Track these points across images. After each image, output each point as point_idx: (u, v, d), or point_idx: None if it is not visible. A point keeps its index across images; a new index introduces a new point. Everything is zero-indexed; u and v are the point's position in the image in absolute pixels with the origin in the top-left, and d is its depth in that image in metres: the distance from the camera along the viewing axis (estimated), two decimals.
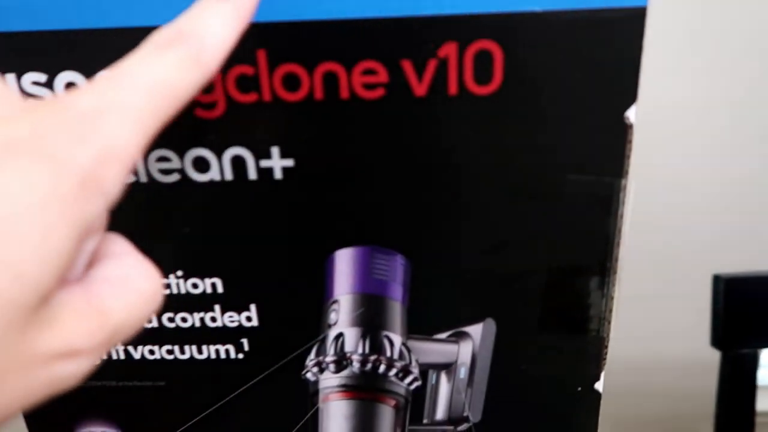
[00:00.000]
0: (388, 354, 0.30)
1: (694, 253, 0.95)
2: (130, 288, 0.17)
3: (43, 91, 0.25)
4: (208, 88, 0.25)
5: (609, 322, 0.29)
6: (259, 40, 0.24)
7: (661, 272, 0.94)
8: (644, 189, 0.80)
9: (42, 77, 0.25)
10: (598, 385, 0.30)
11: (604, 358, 0.29)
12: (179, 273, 0.29)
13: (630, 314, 0.86)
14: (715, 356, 0.73)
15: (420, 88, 0.24)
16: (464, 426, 0.31)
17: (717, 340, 0.73)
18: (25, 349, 0.14)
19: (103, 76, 0.16)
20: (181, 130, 0.25)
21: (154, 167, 0.27)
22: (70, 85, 0.25)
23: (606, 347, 0.29)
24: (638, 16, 0.23)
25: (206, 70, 0.18)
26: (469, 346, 0.29)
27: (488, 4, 0.23)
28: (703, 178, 0.92)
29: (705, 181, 0.92)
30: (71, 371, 0.16)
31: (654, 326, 0.94)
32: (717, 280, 0.72)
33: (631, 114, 0.24)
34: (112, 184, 0.15)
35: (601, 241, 0.27)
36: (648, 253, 0.84)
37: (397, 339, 0.29)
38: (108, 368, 0.31)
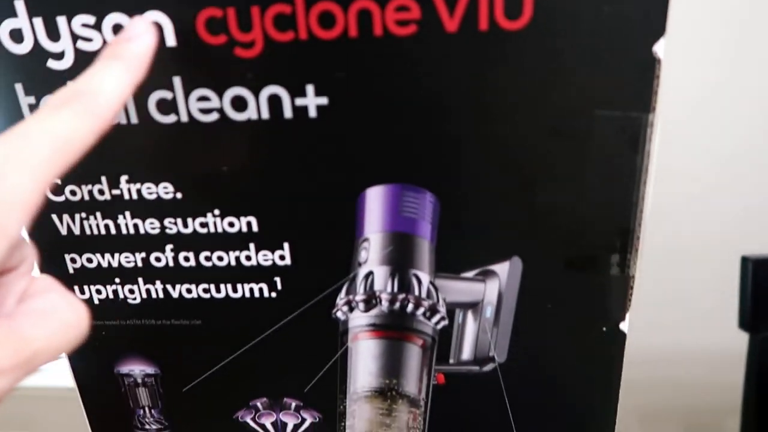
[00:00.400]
0: (416, 293, 0.30)
1: (721, 236, 0.94)
2: (52, 318, 0.20)
3: (92, 33, 0.26)
4: (247, 28, 0.26)
5: (635, 262, 0.29)
6: None
7: (687, 257, 0.93)
8: (670, 169, 0.79)
9: (91, 19, 0.26)
10: (624, 326, 0.30)
11: (630, 298, 0.30)
12: (216, 212, 0.30)
13: (654, 302, 0.86)
14: (743, 346, 0.73)
15: (451, 24, 0.25)
16: (490, 366, 0.32)
17: (745, 322, 0.73)
18: None
19: (3, 134, 0.19)
20: (221, 70, 0.26)
21: (195, 107, 0.28)
22: (117, 27, 0.26)
23: (632, 287, 0.30)
24: None
25: (101, 121, 0.21)
26: (496, 284, 0.30)
27: None
28: (730, 158, 0.91)
29: (732, 162, 0.91)
30: None
31: (679, 315, 0.94)
32: (745, 261, 0.71)
33: (660, 48, 0.25)
34: (14, 228, 0.18)
35: (629, 178, 0.27)
36: (672, 238, 0.84)
37: (425, 277, 0.30)
38: (148, 307, 0.32)
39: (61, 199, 0.30)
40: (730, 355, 0.78)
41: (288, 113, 0.27)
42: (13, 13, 0.26)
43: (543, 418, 0.34)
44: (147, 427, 0.36)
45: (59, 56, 0.27)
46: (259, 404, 0.35)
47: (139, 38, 0.24)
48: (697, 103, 0.84)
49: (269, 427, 0.35)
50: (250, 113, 0.27)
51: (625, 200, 0.28)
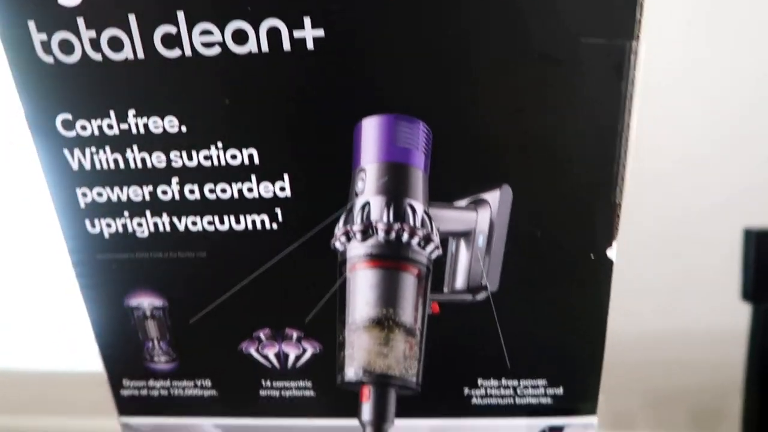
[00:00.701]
0: (411, 222, 0.32)
1: (720, 209, 0.94)
2: None
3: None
4: None
5: (621, 190, 0.30)
6: None
7: (686, 233, 0.93)
8: (670, 141, 0.79)
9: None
10: (611, 253, 0.32)
11: (617, 227, 0.31)
12: (219, 144, 0.31)
13: (657, 283, 0.86)
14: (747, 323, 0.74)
15: None
16: (482, 295, 0.33)
17: (747, 293, 0.74)
18: None
19: None
20: (222, 3, 0.28)
21: (198, 40, 0.29)
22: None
23: (618, 215, 0.31)
24: None
25: None
26: (487, 213, 0.31)
27: None
28: (731, 130, 0.91)
29: (730, 133, 0.91)
30: None
31: (681, 294, 0.94)
32: (748, 234, 0.73)
33: None
34: None
35: (614, 105, 0.28)
36: (669, 216, 0.84)
37: (420, 207, 0.31)
38: (155, 240, 0.34)
39: (72, 134, 0.32)
40: (735, 334, 0.79)
41: (287, 46, 0.28)
42: None
43: (534, 346, 0.35)
44: (156, 359, 0.38)
45: None
46: (262, 335, 0.36)
47: None
48: (694, 72, 0.84)
49: (272, 357, 0.37)
50: (251, 46, 0.29)
51: (611, 128, 0.29)
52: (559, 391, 0.36)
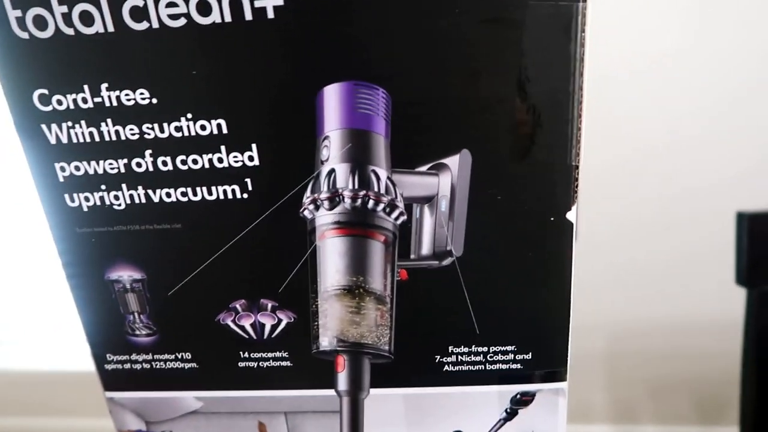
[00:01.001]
0: (376, 189, 0.32)
1: (714, 193, 0.94)
2: None
3: None
4: None
5: (578, 152, 0.31)
6: None
7: (681, 220, 0.93)
8: (662, 124, 0.79)
9: None
10: (570, 216, 0.32)
11: (576, 189, 0.32)
12: (189, 115, 0.32)
13: (654, 271, 0.86)
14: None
15: None
16: (448, 260, 0.34)
17: (742, 278, 0.74)
18: None
19: None
20: None
21: (164, 13, 0.30)
22: None
23: (576, 178, 0.31)
24: None
25: None
26: (448, 177, 0.32)
27: None
28: (722, 113, 0.91)
29: (724, 117, 0.91)
30: None
31: (680, 283, 0.94)
32: (740, 217, 0.73)
33: None
34: None
35: (564, 67, 0.29)
36: (668, 200, 0.84)
37: (383, 173, 0.32)
38: (132, 213, 0.35)
39: (49, 109, 0.33)
40: (736, 322, 0.79)
41: (248, 15, 0.29)
42: None
43: (502, 311, 0.36)
44: (137, 332, 0.39)
45: None
46: (238, 306, 0.37)
47: None
48: (690, 54, 0.84)
49: (249, 328, 0.38)
50: (215, 17, 0.30)
51: (562, 89, 0.30)
52: (528, 356, 0.37)
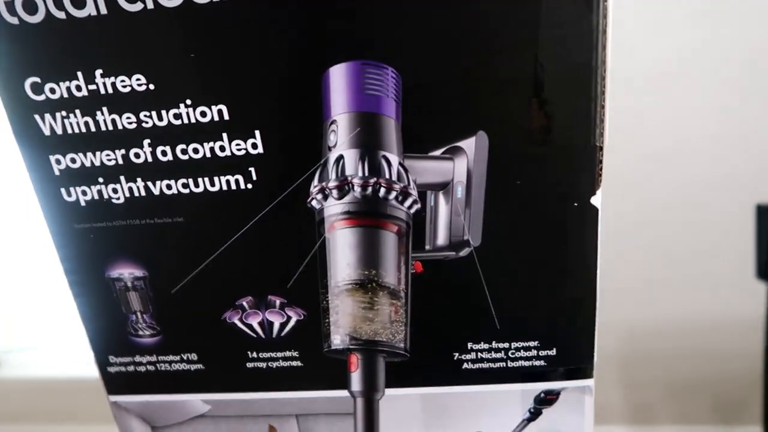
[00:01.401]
0: (387, 176, 0.30)
1: (732, 188, 0.91)
2: None
3: None
4: None
5: (602, 132, 0.29)
6: None
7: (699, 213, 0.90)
8: (678, 119, 0.77)
9: None
10: (595, 200, 0.30)
11: (600, 172, 0.30)
12: (188, 102, 0.30)
13: (673, 271, 0.84)
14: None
15: None
16: (466, 250, 0.32)
17: (762, 272, 0.72)
18: None
19: None
20: None
21: None
22: None
23: (600, 159, 0.29)
24: None
25: None
26: (464, 161, 0.30)
27: None
28: (740, 107, 0.88)
29: (740, 110, 0.88)
30: None
31: (698, 281, 0.91)
32: (761, 210, 0.71)
33: None
34: None
35: (586, 40, 0.27)
36: (686, 191, 0.82)
37: (395, 159, 0.30)
38: (131, 206, 0.33)
39: (42, 98, 0.31)
40: (751, 324, 0.76)
41: None
42: None
43: (523, 305, 0.33)
44: (140, 332, 0.37)
45: None
46: (245, 303, 0.35)
47: None
48: (703, 48, 0.81)
49: (256, 327, 0.36)
50: None
51: (585, 65, 0.27)
52: (552, 352, 0.34)
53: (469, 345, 0.35)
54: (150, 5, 0.28)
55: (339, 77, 0.29)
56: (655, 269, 0.86)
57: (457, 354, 0.35)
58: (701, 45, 0.76)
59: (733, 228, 0.83)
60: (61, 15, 0.29)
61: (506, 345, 0.35)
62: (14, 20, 0.29)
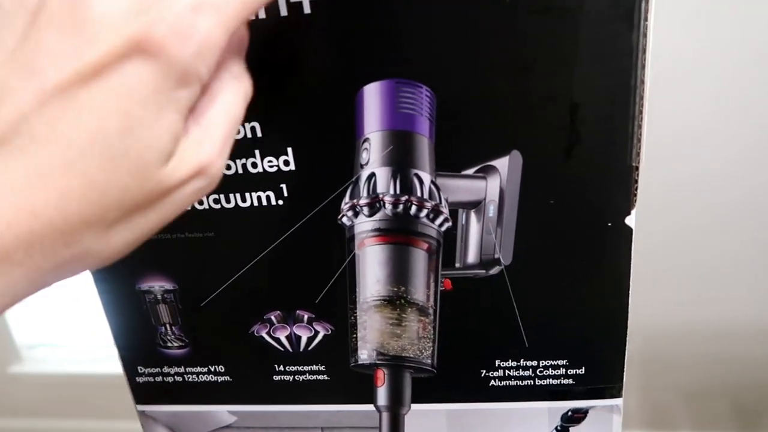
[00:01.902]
0: (419, 194, 0.30)
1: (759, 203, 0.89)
2: (224, 99, 0.22)
3: None
4: None
5: (638, 152, 0.28)
6: None
7: (725, 225, 0.89)
8: (707, 137, 0.75)
9: None
10: (629, 221, 0.30)
11: (635, 192, 0.29)
12: None
13: (694, 276, 0.82)
14: None
15: None
16: (496, 269, 0.32)
17: None
18: (164, 181, 0.20)
19: None
20: None
21: None
22: None
23: (636, 179, 0.29)
24: None
25: None
26: (497, 181, 0.29)
27: None
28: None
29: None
30: (203, 186, 0.22)
31: (720, 288, 0.90)
32: None
33: None
34: (206, 72, 0.20)
35: (625, 59, 0.26)
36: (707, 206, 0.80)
37: (427, 177, 0.30)
38: None
39: None
40: None
41: (283, 11, 0.27)
42: None
43: (553, 324, 0.33)
44: (169, 344, 0.37)
45: None
46: (273, 317, 0.35)
47: None
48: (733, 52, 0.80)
49: (284, 341, 0.36)
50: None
51: (623, 83, 0.27)
52: (581, 371, 0.34)
53: (497, 362, 0.35)
54: None
55: (373, 96, 0.29)
56: (676, 275, 0.85)
57: (484, 371, 0.35)
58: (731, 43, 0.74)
59: (758, 235, 0.81)
60: None
61: (534, 363, 0.34)
62: None
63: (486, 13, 0.26)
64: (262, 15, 0.28)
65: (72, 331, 1.07)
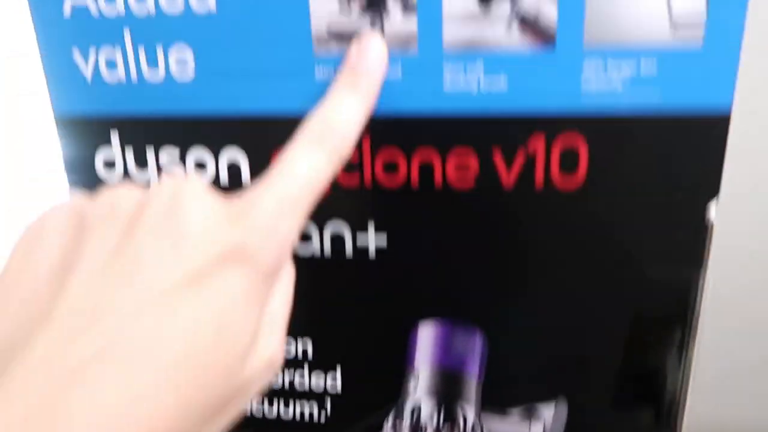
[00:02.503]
0: (461, 429, 0.30)
1: None
2: (283, 288, 0.22)
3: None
4: None
5: (686, 392, 0.28)
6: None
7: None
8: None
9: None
10: None
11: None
12: None
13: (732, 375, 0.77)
14: None
15: (508, 179, 0.26)
16: None
17: None
18: (246, 378, 0.19)
19: (273, 173, 0.20)
20: None
21: None
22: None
23: (682, 418, 0.29)
24: (722, 123, 0.24)
25: (344, 161, 0.22)
26: (540, 426, 0.29)
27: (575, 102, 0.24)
28: None
29: None
30: (270, 377, 0.21)
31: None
32: None
33: (712, 212, 0.25)
34: (281, 266, 0.20)
35: (678, 329, 0.27)
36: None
37: (471, 414, 0.30)
38: None
39: None
40: None
41: (349, 253, 0.28)
42: None
43: None
44: None
45: None
46: None
47: (374, 65, 0.24)
48: None
49: None
50: (314, 250, 0.29)
51: (677, 346, 0.27)
52: None
53: None
54: None
55: (428, 334, 0.29)
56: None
57: None
58: None
59: None
60: None
61: None
62: None
63: (544, 281, 0.27)
64: (328, 254, 0.29)
65: None
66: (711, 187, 0.25)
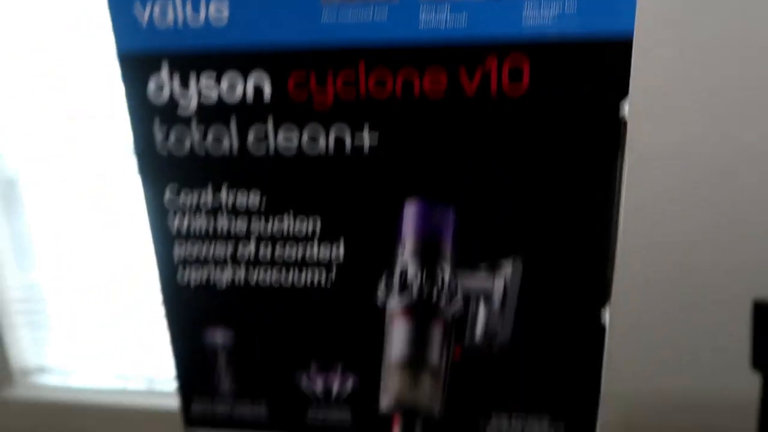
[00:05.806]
0: (440, 284, 0.39)
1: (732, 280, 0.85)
2: None
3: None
4: (323, 83, 0.35)
5: (613, 265, 0.37)
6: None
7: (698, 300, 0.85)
8: (682, 218, 0.75)
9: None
10: (605, 313, 0.39)
11: (609, 294, 0.38)
12: (291, 211, 0.39)
13: (666, 346, 0.82)
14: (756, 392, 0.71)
15: (471, 89, 0.34)
16: (497, 344, 0.40)
17: (757, 362, 0.70)
18: None
19: None
20: (301, 115, 0.35)
21: (281, 138, 0.37)
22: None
23: (609, 285, 0.38)
24: (627, 43, 0.32)
25: None
26: (502, 278, 0.38)
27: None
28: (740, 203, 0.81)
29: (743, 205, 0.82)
30: None
31: (691, 360, 0.88)
32: (756, 306, 0.69)
33: (625, 110, 0.33)
34: None
35: (608, 189, 0.35)
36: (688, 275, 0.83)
37: (447, 271, 0.39)
38: (231, 290, 0.41)
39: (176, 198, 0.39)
40: (744, 403, 0.74)
41: (348, 151, 0.36)
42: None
43: (539, 386, 0.42)
44: (221, 383, 0.45)
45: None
46: (312, 367, 0.43)
47: None
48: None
49: (318, 388, 0.44)
50: (320, 150, 0.36)
51: (604, 212, 0.36)
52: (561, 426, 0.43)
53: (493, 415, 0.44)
54: (272, 152, 0.37)
55: (412, 210, 0.38)
56: (656, 347, 0.87)
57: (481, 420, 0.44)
58: None
59: (735, 316, 0.82)
60: (202, 152, 0.37)
61: (523, 416, 0.43)
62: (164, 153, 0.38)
63: (497, 160, 0.35)
64: (332, 152, 0.36)
65: (70, 359, 1.10)
66: (621, 89, 0.33)
